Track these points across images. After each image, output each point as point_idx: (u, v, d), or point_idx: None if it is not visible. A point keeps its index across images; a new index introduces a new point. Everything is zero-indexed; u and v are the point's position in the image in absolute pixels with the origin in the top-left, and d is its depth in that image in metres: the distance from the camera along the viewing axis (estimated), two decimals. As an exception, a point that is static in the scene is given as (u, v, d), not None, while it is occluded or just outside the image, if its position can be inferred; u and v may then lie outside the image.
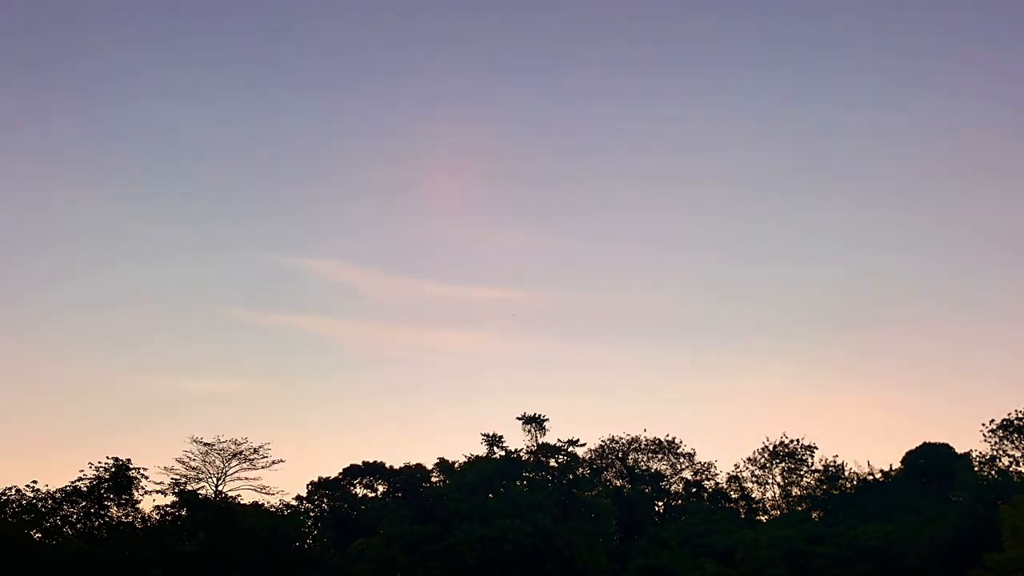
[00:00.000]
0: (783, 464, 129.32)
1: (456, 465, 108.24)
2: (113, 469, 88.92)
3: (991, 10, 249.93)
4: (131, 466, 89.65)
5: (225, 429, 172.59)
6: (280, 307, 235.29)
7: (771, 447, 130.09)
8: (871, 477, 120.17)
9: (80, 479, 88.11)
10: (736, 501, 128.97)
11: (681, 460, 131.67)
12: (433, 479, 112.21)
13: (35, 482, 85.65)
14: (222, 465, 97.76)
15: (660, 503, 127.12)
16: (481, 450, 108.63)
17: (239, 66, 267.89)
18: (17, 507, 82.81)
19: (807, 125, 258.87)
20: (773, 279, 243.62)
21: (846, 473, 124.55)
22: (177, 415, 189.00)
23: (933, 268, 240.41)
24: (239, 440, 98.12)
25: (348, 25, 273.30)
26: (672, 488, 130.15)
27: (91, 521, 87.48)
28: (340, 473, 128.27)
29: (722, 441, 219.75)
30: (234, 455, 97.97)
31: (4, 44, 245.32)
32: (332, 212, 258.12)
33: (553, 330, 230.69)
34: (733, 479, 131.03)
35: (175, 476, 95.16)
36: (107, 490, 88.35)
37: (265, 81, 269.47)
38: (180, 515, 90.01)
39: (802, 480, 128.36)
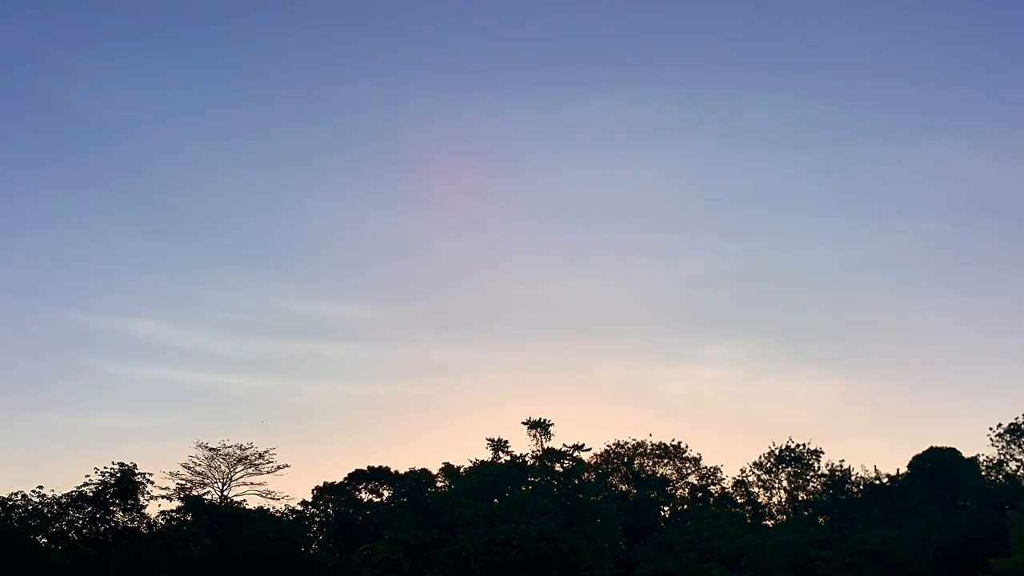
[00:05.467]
0: (789, 468, 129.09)
1: (461, 470, 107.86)
2: (119, 474, 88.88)
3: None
4: (136, 471, 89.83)
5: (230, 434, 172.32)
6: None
7: (777, 451, 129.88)
8: (878, 481, 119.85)
9: (86, 484, 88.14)
10: (742, 506, 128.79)
11: (687, 465, 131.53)
12: (438, 484, 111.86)
13: (41, 487, 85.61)
14: (227, 470, 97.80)
15: (666, 508, 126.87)
16: (486, 455, 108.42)
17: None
18: (23, 512, 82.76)
19: (804, 120, 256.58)
20: (776, 280, 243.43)
21: (853, 477, 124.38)
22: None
23: (940, 268, 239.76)
24: (244, 445, 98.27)
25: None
26: (678, 493, 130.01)
27: (97, 526, 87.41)
28: (345, 478, 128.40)
29: (727, 445, 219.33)
30: (239, 460, 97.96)
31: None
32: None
33: (554, 335, 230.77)
34: (739, 484, 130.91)
35: (180, 481, 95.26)
36: (113, 495, 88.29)
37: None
38: (186, 520, 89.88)
39: (808, 484, 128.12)
